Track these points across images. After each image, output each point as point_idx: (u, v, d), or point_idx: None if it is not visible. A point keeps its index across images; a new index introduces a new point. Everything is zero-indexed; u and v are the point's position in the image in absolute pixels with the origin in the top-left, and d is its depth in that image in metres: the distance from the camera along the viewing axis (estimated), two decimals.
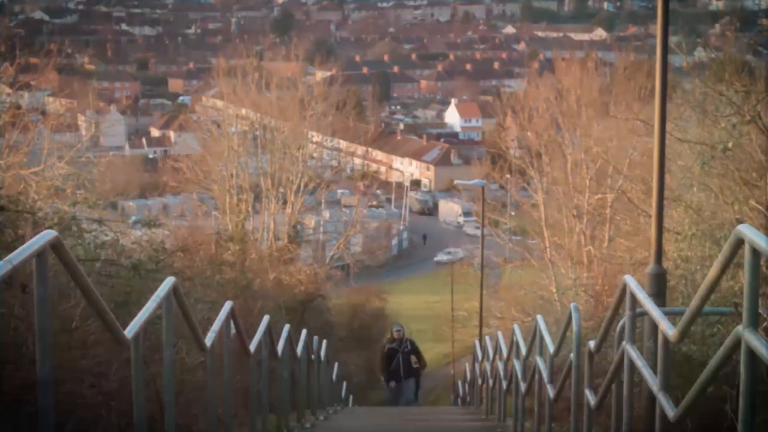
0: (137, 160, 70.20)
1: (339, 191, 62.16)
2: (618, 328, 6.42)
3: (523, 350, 10.57)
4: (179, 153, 46.98)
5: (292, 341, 11.54)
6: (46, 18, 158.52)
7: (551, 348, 8.47)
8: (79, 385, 6.32)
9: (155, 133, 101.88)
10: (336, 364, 19.04)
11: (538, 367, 9.11)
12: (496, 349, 13.74)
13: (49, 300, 3.98)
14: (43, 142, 18.03)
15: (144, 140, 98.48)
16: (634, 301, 5.97)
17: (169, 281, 5.78)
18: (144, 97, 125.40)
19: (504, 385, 12.36)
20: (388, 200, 79.86)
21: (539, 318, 9.35)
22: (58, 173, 15.85)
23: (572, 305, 7.69)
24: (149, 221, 14.53)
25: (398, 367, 16.72)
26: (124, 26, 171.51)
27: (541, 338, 8.99)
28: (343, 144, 51.27)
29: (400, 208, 77.57)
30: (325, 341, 16.18)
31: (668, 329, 4.99)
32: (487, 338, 16.37)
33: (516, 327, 11.56)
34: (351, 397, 22.05)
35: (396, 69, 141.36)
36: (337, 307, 34.52)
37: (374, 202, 70.81)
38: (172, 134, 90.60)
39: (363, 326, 35.11)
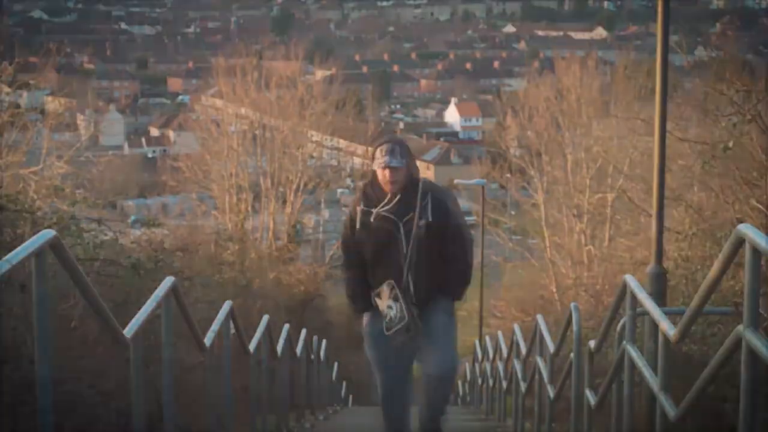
0: (136, 160, 70.03)
1: (339, 191, 62.08)
2: (618, 327, 6.41)
3: (523, 350, 10.56)
4: (178, 152, 46.91)
5: (291, 341, 11.53)
6: (46, 17, 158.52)
7: (551, 348, 8.46)
8: (78, 385, 6.32)
9: (154, 132, 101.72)
10: (336, 364, 19.03)
11: (538, 367, 9.10)
12: (496, 349, 13.74)
13: (48, 300, 3.96)
14: (42, 141, 18.00)
15: (143, 139, 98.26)
16: (635, 300, 5.96)
17: (169, 281, 5.77)
18: (143, 96, 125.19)
19: (504, 385, 12.35)
20: None
21: (539, 318, 9.34)
22: (57, 173, 15.84)
23: (572, 305, 7.69)
24: (148, 221, 14.57)
25: (398, 273, 5.80)
26: (123, 25, 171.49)
27: (541, 338, 8.98)
28: (342, 143, 51.18)
29: None
30: (325, 341, 16.16)
31: (669, 329, 4.98)
32: (487, 338, 16.36)
33: (516, 327, 11.57)
34: (351, 397, 22.07)
35: (396, 68, 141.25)
36: (337, 307, 34.50)
37: None
38: (171, 133, 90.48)
39: None
